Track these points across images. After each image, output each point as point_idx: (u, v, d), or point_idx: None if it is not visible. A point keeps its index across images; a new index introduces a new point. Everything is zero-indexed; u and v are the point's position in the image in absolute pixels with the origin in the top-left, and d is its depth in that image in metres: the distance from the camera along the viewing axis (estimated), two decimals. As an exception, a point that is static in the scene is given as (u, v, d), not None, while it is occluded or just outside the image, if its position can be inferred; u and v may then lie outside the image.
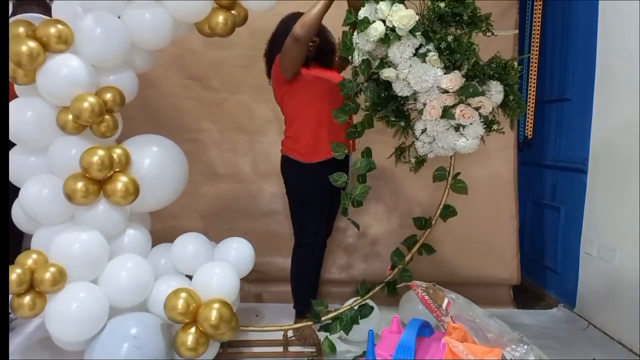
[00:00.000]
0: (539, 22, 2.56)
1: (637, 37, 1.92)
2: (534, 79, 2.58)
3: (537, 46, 2.57)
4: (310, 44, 1.80)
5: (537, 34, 2.57)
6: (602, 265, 2.11)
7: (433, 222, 1.79)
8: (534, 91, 2.59)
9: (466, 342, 1.23)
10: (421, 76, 1.47)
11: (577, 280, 2.29)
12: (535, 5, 2.57)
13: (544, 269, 2.60)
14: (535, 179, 2.71)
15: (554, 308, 2.39)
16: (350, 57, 1.62)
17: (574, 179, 2.33)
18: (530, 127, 2.63)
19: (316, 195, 1.89)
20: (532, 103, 2.60)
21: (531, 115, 2.62)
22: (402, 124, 1.65)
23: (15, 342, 1.85)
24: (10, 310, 1.49)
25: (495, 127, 1.56)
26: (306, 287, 2.00)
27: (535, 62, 2.58)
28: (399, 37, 1.45)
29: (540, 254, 2.63)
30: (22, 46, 1.46)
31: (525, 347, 1.20)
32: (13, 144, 1.65)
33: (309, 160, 1.85)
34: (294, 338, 1.90)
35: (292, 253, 1.99)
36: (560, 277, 2.46)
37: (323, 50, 1.84)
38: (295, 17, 1.77)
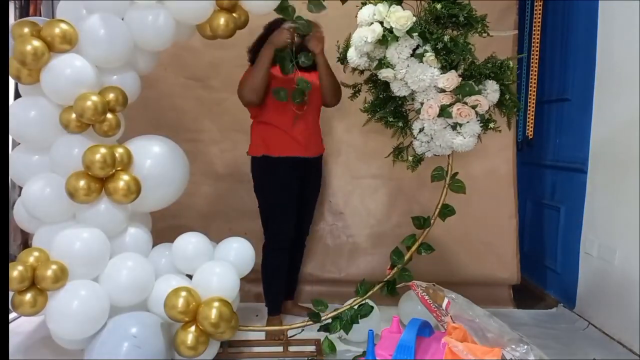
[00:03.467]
0: (539, 22, 2.57)
1: (637, 37, 1.92)
2: (535, 79, 2.58)
3: (537, 46, 2.57)
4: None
5: (537, 34, 2.57)
6: (602, 265, 2.11)
7: (432, 221, 1.80)
8: (534, 91, 2.59)
9: (466, 342, 1.23)
10: (418, 76, 1.49)
11: (577, 280, 2.29)
12: (535, 5, 2.57)
13: (544, 268, 2.60)
14: (535, 178, 2.71)
15: (553, 308, 2.39)
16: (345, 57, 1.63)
17: (574, 178, 2.34)
18: (531, 127, 2.63)
19: (280, 193, 1.93)
20: (533, 103, 2.60)
21: (532, 115, 2.62)
22: (401, 124, 1.66)
23: (16, 342, 1.86)
24: (10, 308, 1.50)
25: (491, 125, 1.57)
26: (273, 285, 2.03)
27: (536, 62, 2.58)
28: (396, 38, 1.47)
29: (540, 254, 2.63)
30: (26, 45, 1.47)
31: (525, 347, 1.20)
32: (16, 143, 1.66)
33: (275, 154, 1.90)
34: (294, 337, 1.90)
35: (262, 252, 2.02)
36: (560, 277, 2.46)
37: (301, 53, 1.82)
38: (281, 22, 1.80)
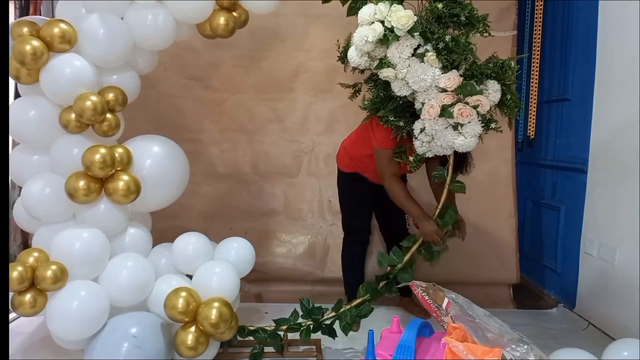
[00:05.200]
0: (539, 22, 2.57)
1: (637, 37, 1.92)
2: (535, 79, 2.58)
3: (537, 46, 2.57)
4: None
5: (538, 34, 2.57)
6: (602, 265, 2.11)
7: (432, 221, 1.79)
8: (535, 91, 2.59)
9: (466, 342, 1.23)
10: (419, 75, 1.48)
11: (576, 280, 2.29)
12: (535, 5, 2.57)
13: (544, 268, 2.60)
14: (535, 178, 2.71)
15: (553, 308, 2.39)
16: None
17: (574, 178, 2.34)
18: (533, 127, 2.63)
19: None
20: (534, 103, 2.60)
21: (533, 115, 2.62)
22: (401, 124, 1.66)
23: (16, 342, 1.85)
24: (10, 308, 1.49)
25: (493, 125, 1.57)
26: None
27: (537, 63, 2.58)
28: (397, 38, 1.46)
29: (540, 254, 2.63)
30: (26, 45, 1.47)
31: (525, 347, 1.20)
32: (17, 143, 1.66)
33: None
34: (294, 337, 1.90)
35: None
36: (560, 276, 2.46)
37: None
38: None
